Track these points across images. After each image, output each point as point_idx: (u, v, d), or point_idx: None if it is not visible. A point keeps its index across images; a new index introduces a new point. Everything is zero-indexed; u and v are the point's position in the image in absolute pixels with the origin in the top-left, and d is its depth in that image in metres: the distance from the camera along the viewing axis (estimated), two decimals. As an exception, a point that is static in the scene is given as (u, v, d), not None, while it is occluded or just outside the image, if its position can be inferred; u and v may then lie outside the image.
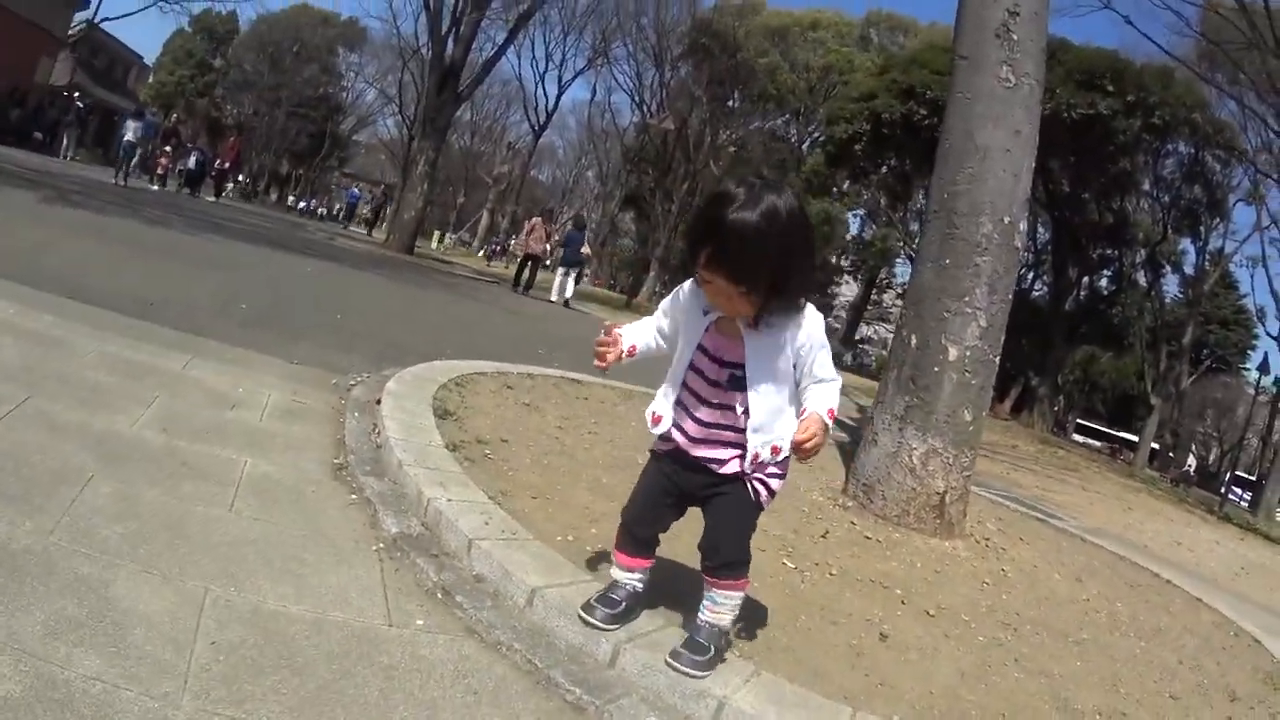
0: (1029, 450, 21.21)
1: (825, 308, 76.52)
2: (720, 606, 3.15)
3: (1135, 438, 52.17)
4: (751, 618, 3.68)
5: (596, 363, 3.19)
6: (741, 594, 3.19)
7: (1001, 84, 6.45)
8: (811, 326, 2.97)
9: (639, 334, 3.25)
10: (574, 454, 5.73)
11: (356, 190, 38.40)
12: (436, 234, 60.40)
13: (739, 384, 3.00)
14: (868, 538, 5.77)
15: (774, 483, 3.13)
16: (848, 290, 75.21)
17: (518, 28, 36.54)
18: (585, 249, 27.85)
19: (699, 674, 2.98)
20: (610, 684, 3.00)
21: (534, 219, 27.73)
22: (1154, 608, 6.28)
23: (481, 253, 53.58)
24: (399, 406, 5.49)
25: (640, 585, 3.34)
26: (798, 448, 2.86)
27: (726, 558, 3.13)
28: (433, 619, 3.21)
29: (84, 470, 3.61)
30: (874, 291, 69.65)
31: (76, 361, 5.08)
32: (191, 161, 30.66)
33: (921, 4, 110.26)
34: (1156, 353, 46.37)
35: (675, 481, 3.17)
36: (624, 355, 3.22)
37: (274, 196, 70.76)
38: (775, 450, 3.04)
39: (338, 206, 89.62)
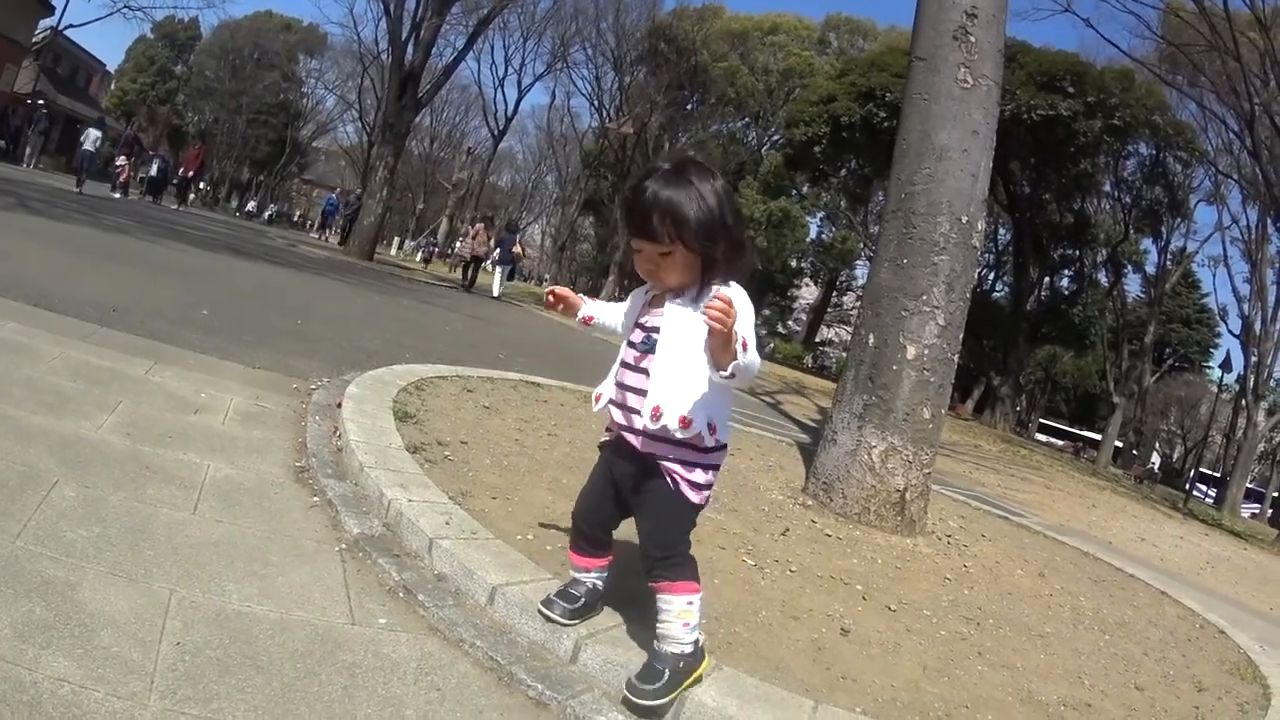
0: (991, 450, 21.39)
1: (785, 310, 76.76)
2: (663, 614, 3.00)
3: (1098, 436, 52.60)
4: (712, 613, 3.71)
5: (547, 299, 3.26)
6: (683, 599, 3.01)
7: (959, 85, 6.52)
8: (735, 300, 2.78)
9: (601, 308, 3.31)
10: (534, 455, 5.76)
11: (334, 197, 37.78)
12: (397, 240, 60.16)
13: (653, 346, 2.99)
14: (828, 535, 5.82)
15: (697, 474, 3.00)
16: (808, 293, 75.47)
17: (477, 33, 36.60)
18: (516, 248, 30.36)
19: (650, 702, 2.89)
20: (572, 679, 3.03)
21: (476, 225, 31.23)
22: (1118, 602, 6.37)
23: (419, 255, 53.48)
24: (359, 410, 5.51)
25: (600, 583, 3.36)
26: (715, 298, 2.62)
27: (652, 554, 3.05)
28: (395, 618, 3.24)
29: (49, 475, 3.62)
30: (834, 294, 69.94)
31: (40, 367, 5.06)
32: (154, 169, 30.32)
33: (881, 7, 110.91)
34: (1119, 352, 46.90)
35: (613, 472, 3.16)
36: (582, 321, 3.30)
37: (235, 203, 70.29)
38: (684, 422, 2.89)
39: (298, 213, 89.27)
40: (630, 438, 3.03)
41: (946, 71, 6.57)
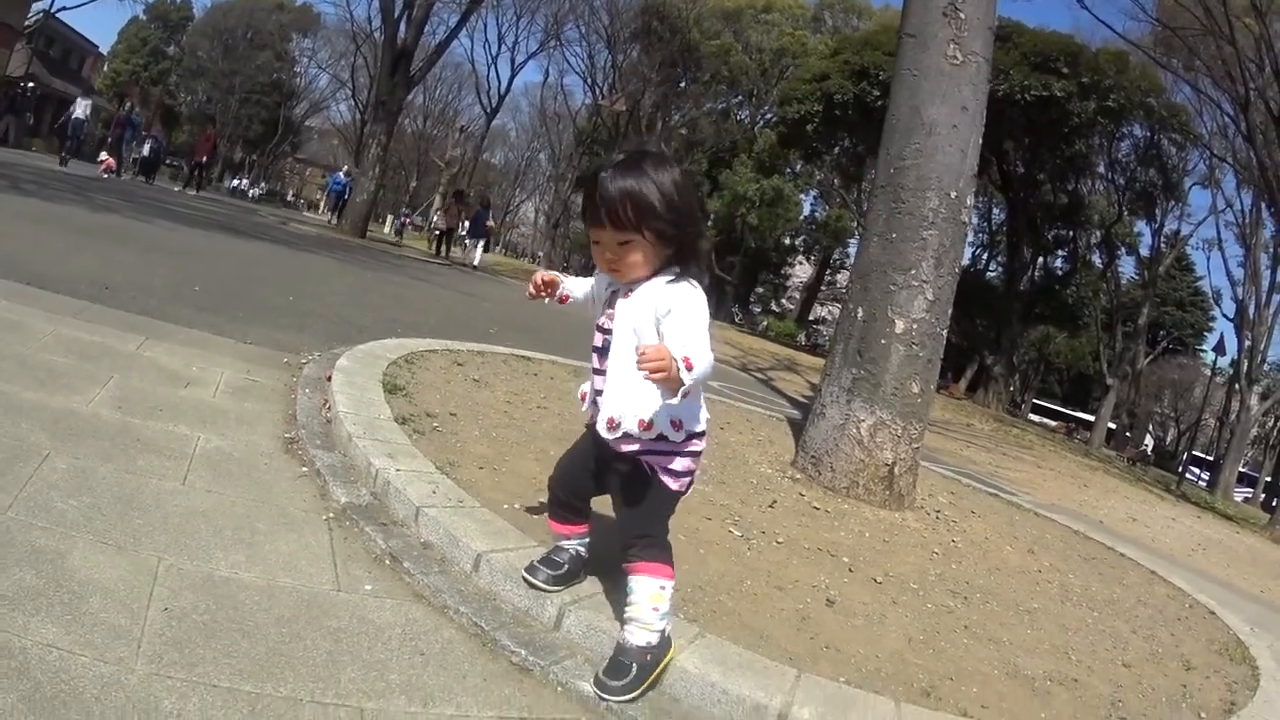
0: (984, 429, 21.43)
1: (778, 288, 76.64)
2: (633, 595, 2.97)
3: (1091, 417, 52.69)
4: (697, 583, 3.76)
5: (529, 289, 3.26)
6: (656, 582, 2.97)
7: (949, 61, 6.52)
8: (672, 295, 2.83)
9: (576, 285, 3.28)
10: (523, 427, 5.79)
11: (343, 176, 37.37)
12: (390, 218, 60.08)
13: (608, 348, 2.99)
14: (816, 508, 5.83)
15: (674, 463, 2.98)
16: (801, 271, 75.31)
17: (470, 10, 36.33)
18: (490, 223, 33.31)
19: (620, 698, 2.88)
20: (555, 645, 3.07)
21: (448, 200, 34.12)
22: (1107, 580, 6.40)
23: (389, 228, 53.48)
24: (349, 382, 5.52)
25: (582, 549, 3.39)
26: (640, 353, 2.56)
27: (626, 536, 3.05)
28: (381, 584, 3.27)
29: (40, 448, 3.65)
30: (828, 272, 69.82)
31: (32, 344, 5.08)
32: (146, 149, 30.17)
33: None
34: (1112, 333, 46.92)
35: (594, 450, 3.15)
36: (559, 299, 3.29)
37: (229, 183, 70.16)
38: (644, 425, 2.88)
39: (291, 192, 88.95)
40: (606, 437, 3.00)
41: (935, 48, 6.57)
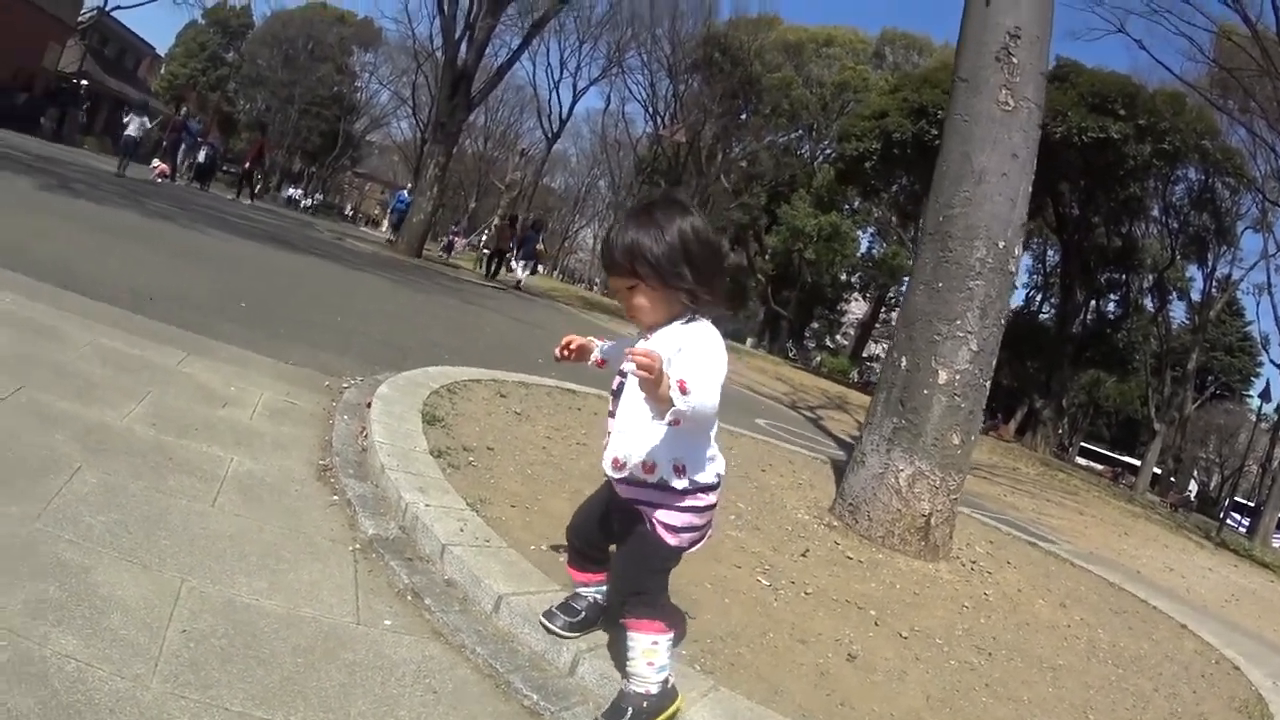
0: (1030, 473, 21.22)
1: (833, 324, 76.47)
2: (631, 653, 2.96)
3: (1138, 462, 52.14)
4: (718, 634, 3.73)
5: (555, 351, 3.23)
6: (648, 638, 2.96)
7: (1000, 107, 6.48)
8: (684, 334, 2.85)
9: (612, 350, 3.29)
10: (560, 464, 5.78)
11: (407, 194, 37.35)
12: (459, 242, 60.48)
13: (622, 389, 3.02)
14: (849, 558, 5.78)
15: (671, 516, 2.95)
16: (856, 307, 75.11)
17: (532, 34, 36.51)
18: (540, 246, 33.66)
19: None
20: (568, 691, 3.06)
21: (500, 223, 34.53)
22: (1136, 634, 6.31)
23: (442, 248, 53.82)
24: (388, 411, 5.54)
25: (600, 597, 3.37)
26: (628, 351, 2.58)
27: (623, 590, 3.07)
28: (400, 620, 3.27)
29: (71, 460, 3.68)
30: (883, 309, 69.52)
31: (70, 352, 5.13)
32: (201, 155, 30.34)
33: (936, 22, 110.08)
34: (1161, 378, 46.46)
35: (608, 499, 3.17)
36: (595, 364, 3.30)
37: (284, 192, 70.78)
38: (647, 468, 2.89)
39: (349, 206, 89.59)
40: (614, 479, 3.02)
41: (988, 93, 6.53)
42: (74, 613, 2.64)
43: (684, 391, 2.57)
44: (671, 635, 3.00)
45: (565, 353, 3.22)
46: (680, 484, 2.90)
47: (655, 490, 2.93)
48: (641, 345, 2.80)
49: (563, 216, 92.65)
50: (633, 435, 2.91)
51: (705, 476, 2.94)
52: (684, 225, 2.85)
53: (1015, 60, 6.52)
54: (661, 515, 2.95)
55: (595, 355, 3.28)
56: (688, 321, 2.88)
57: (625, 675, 2.97)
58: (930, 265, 6.61)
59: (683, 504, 2.94)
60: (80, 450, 3.83)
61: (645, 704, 2.92)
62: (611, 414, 3.05)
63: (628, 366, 2.60)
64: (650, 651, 2.93)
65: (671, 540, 2.95)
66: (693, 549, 3.04)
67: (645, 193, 62.53)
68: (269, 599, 3.11)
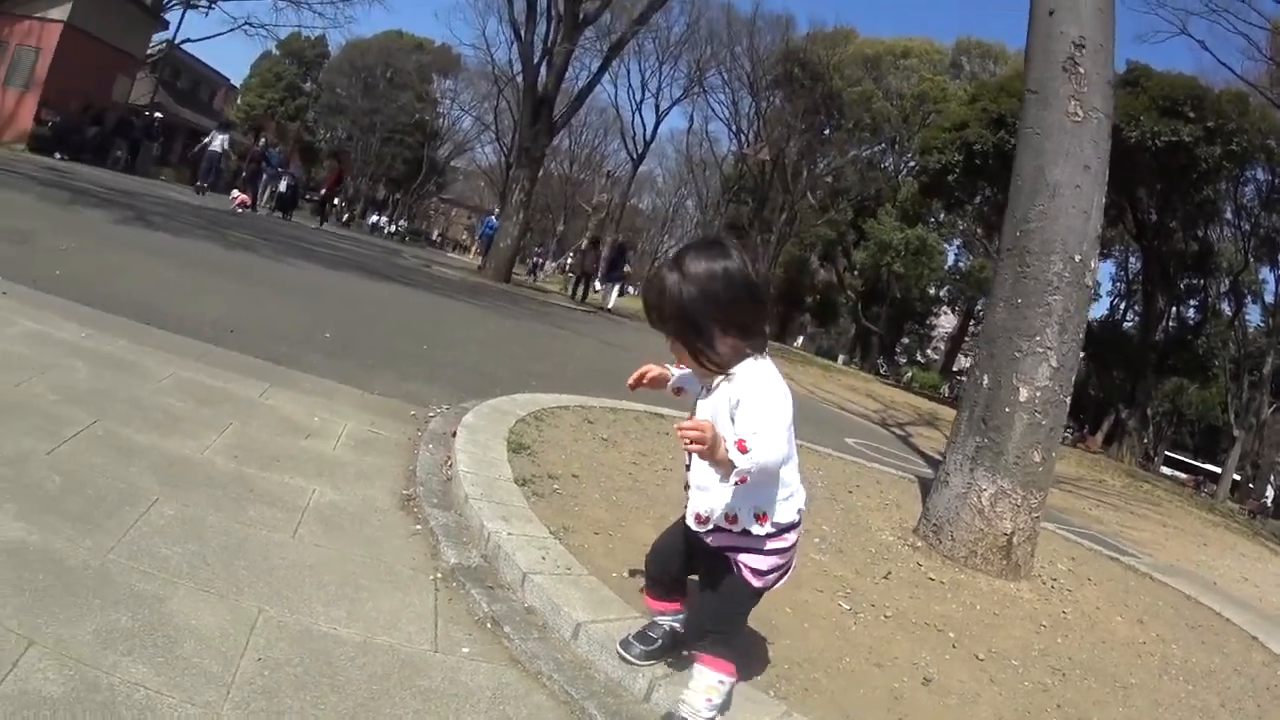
0: (1115, 485, 20.86)
1: (923, 338, 75.91)
2: (693, 683, 3.01)
3: (1219, 469, 51.11)
4: (795, 659, 3.72)
5: (629, 382, 3.28)
6: (715, 676, 2.99)
7: (1070, 119, 6.41)
8: (742, 382, 2.84)
9: (687, 381, 3.24)
10: (646, 490, 5.79)
11: (494, 219, 37.67)
12: (544, 264, 60.94)
13: None
14: (931, 579, 5.73)
15: (757, 560, 2.97)
16: (946, 321, 74.53)
17: (610, 57, 36.46)
18: (627, 268, 34.36)
19: None
20: (641, 717, 3.06)
21: (584, 246, 35.73)
22: (1209, 649, 6.17)
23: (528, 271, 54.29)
24: (473, 440, 5.59)
25: (677, 625, 3.37)
26: (678, 428, 2.64)
27: (704, 624, 3.11)
28: (479, 647, 3.30)
29: (149, 492, 3.75)
30: (971, 322, 68.86)
31: (149, 386, 5.22)
32: (283, 185, 30.47)
33: (1010, 30, 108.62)
34: (1239, 383, 45.53)
35: (688, 535, 3.13)
36: (673, 391, 3.29)
37: (371, 221, 71.60)
38: (730, 519, 2.92)
39: (436, 232, 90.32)
40: (694, 528, 3.03)
41: (1057, 105, 6.46)
42: (145, 642, 2.69)
43: (743, 451, 2.59)
44: (736, 680, 3.03)
45: (640, 383, 3.26)
46: (763, 530, 2.92)
47: (740, 537, 2.94)
48: (702, 403, 2.94)
49: (651, 237, 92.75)
50: (711, 490, 2.92)
51: (787, 516, 2.95)
52: (704, 268, 2.84)
53: (1082, 70, 6.45)
54: (747, 559, 2.97)
55: (671, 384, 3.28)
56: (742, 367, 2.86)
57: (680, 700, 2.99)
58: (1009, 281, 6.55)
59: (767, 548, 2.96)
60: (158, 482, 3.89)
61: None
62: (687, 466, 3.05)
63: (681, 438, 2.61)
64: (713, 689, 2.97)
65: (757, 583, 2.98)
66: (776, 586, 3.06)
67: (733, 211, 62.66)
68: (346, 627, 3.14)
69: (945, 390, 56.29)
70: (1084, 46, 6.45)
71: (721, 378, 2.88)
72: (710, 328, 2.82)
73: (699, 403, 2.98)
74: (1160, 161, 33.28)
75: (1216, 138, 33.13)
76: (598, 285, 33.03)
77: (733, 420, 2.80)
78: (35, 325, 5.78)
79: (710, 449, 2.59)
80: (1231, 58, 42.15)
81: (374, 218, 73.31)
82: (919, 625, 4.72)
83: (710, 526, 2.94)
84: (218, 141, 25.71)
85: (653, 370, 3.26)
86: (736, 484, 2.66)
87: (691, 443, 2.57)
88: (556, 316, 21.10)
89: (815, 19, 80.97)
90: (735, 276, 2.85)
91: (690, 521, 3.00)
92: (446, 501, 4.72)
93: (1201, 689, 5.09)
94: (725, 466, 2.63)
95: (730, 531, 2.93)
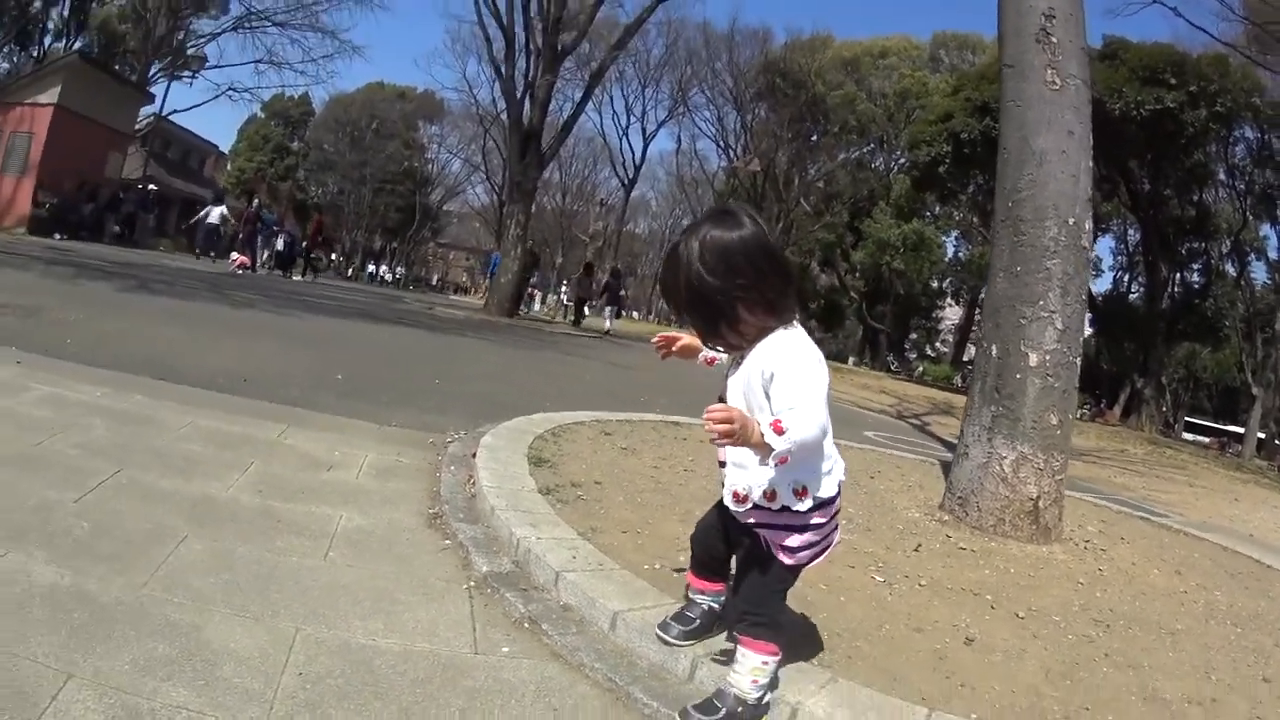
0: (1138, 453, 20.78)
1: (931, 332, 75.80)
2: (738, 666, 2.94)
3: (1242, 430, 50.86)
4: (834, 630, 3.73)
5: (654, 347, 3.20)
6: (759, 658, 2.92)
7: (1049, 87, 6.46)
8: (773, 353, 2.74)
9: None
10: (669, 490, 5.81)
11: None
12: (538, 295, 61.05)
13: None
14: (962, 549, 5.72)
15: (790, 539, 2.89)
16: (952, 313, 74.44)
17: (592, 85, 36.51)
18: (623, 292, 36.54)
19: None
20: (688, 697, 3.05)
21: (579, 274, 37.71)
22: (1253, 594, 6.13)
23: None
24: (494, 458, 5.63)
25: (716, 605, 3.36)
26: (705, 417, 2.52)
27: (738, 610, 3.03)
28: (518, 646, 3.32)
29: (177, 531, 3.79)
30: (976, 312, 68.75)
31: (168, 435, 5.27)
32: (280, 243, 30.92)
33: (985, 19, 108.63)
34: (1252, 342, 45.41)
35: (724, 517, 3.13)
36: (705, 362, 3.22)
37: (369, 271, 71.76)
38: (768, 496, 2.83)
39: (436, 276, 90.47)
40: (730, 506, 2.98)
41: (1034, 76, 6.53)
42: (184, 667, 2.71)
43: (780, 432, 2.51)
44: (780, 658, 2.99)
45: (666, 350, 3.18)
46: (804, 506, 2.85)
47: (779, 514, 2.87)
48: (733, 377, 2.88)
49: (650, 261, 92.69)
50: (750, 468, 2.85)
51: (828, 490, 2.90)
52: (708, 238, 2.75)
53: (1055, 40, 6.50)
54: (777, 536, 2.90)
55: (705, 354, 3.20)
56: (773, 338, 2.78)
57: (726, 679, 2.97)
58: (1006, 251, 6.58)
59: (801, 524, 2.88)
60: (185, 521, 3.93)
61: (740, 709, 2.92)
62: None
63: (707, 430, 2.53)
64: (758, 670, 2.93)
65: (788, 560, 2.92)
66: (813, 564, 3.00)
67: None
68: (385, 638, 3.17)
69: (958, 381, 56.17)
70: (1054, 17, 6.53)
71: (751, 349, 2.80)
72: (734, 304, 2.72)
73: (729, 379, 2.94)
74: (1147, 131, 33.27)
75: (1200, 101, 33.12)
76: (587, 308, 34.14)
77: (767, 396, 2.72)
78: (51, 389, 5.85)
79: (742, 436, 2.50)
80: (1206, 21, 42.41)
81: (371, 267, 73.44)
82: (955, 591, 4.71)
83: (749, 505, 2.88)
84: (214, 214, 25.91)
85: (683, 338, 3.18)
86: (777, 465, 2.62)
87: (721, 435, 2.48)
88: (563, 345, 21.16)
89: (792, 28, 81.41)
90: (754, 246, 2.75)
91: (728, 500, 2.94)
92: (473, 516, 4.75)
93: (1251, 630, 5.05)
94: (762, 449, 2.55)
95: (769, 509, 2.86)
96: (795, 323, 2.84)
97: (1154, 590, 5.57)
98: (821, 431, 2.64)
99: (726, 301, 2.72)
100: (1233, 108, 34.40)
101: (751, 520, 2.92)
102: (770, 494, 2.83)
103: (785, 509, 2.85)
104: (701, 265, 2.71)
